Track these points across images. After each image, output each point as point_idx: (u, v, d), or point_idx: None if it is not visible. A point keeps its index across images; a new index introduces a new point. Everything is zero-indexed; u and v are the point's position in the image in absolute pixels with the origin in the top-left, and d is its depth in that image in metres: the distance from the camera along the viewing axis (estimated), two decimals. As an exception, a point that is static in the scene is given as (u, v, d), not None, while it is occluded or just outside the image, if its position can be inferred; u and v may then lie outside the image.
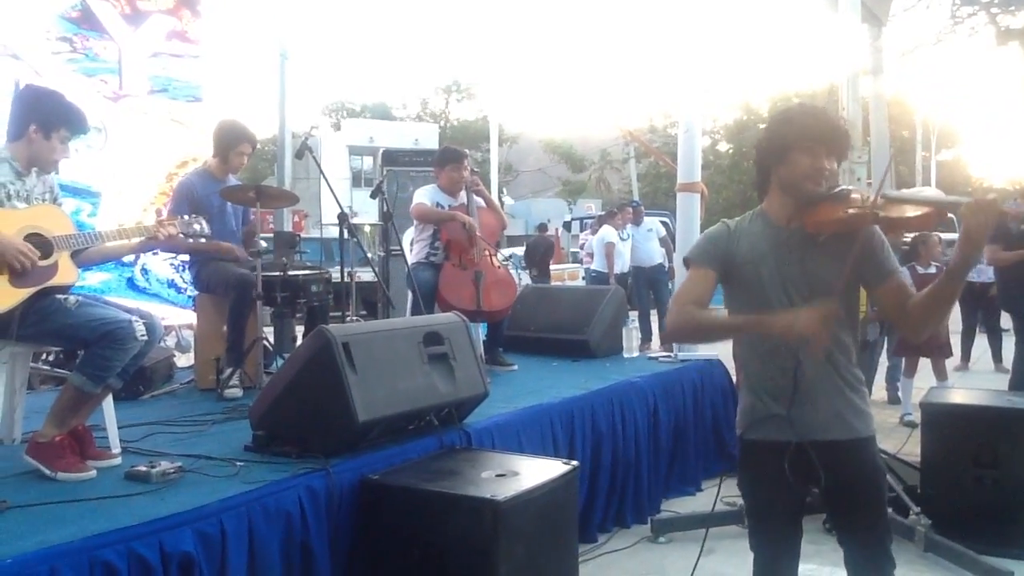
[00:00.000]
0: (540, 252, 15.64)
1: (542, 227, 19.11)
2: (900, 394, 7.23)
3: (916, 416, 5.67)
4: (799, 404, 2.40)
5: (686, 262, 2.54)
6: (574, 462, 3.26)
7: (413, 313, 5.20)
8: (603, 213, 15.27)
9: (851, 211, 2.32)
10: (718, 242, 2.51)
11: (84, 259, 3.37)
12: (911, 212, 2.30)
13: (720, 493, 3.25)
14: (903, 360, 7.19)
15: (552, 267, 16.10)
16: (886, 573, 2.52)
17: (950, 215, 2.71)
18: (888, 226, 2.39)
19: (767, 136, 2.47)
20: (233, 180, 4.99)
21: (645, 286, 10.60)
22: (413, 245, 5.59)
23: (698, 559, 3.07)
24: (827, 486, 2.43)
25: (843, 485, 2.45)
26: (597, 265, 10.95)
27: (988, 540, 3.99)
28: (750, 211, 2.56)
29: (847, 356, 2.46)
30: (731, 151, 43.94)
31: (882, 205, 2.31)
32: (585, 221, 24.78)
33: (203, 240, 3.65)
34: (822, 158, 2.37)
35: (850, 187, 2.48)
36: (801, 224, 2.41)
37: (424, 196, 5.50)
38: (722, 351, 6.41)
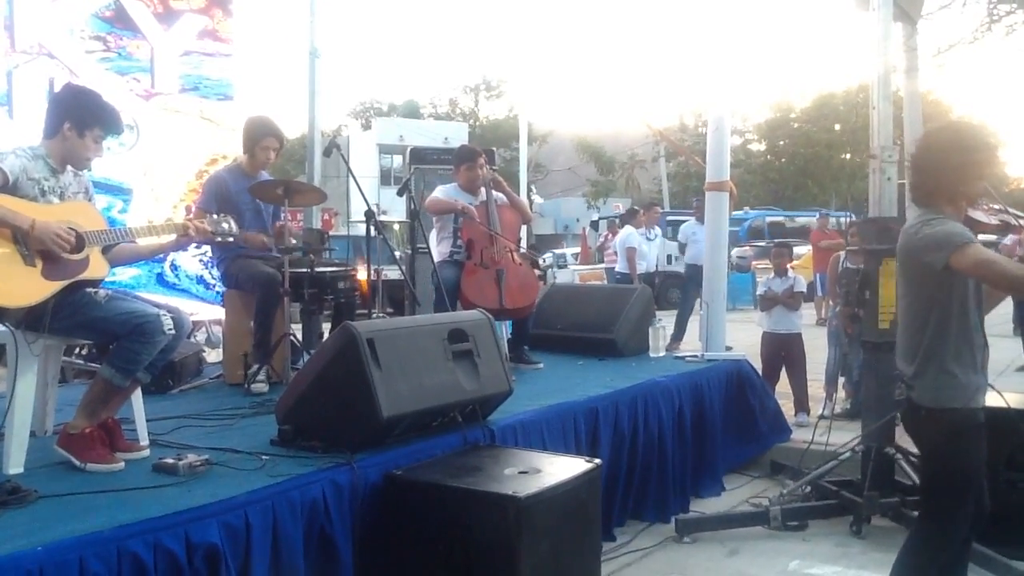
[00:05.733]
0: None
1: None
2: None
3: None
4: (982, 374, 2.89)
5: (963, 245, 2.73)
6: (597, 460, 3.26)
7: (437, 311, 5.20)
8: (625, 212, 14.82)
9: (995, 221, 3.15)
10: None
11: (115, 257, 3.42)
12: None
13: (746, 494, 3.22)
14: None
15: (579, 267, 15.83)
16: None
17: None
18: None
19: (986, 154, 2.92)
20: (265, 176, 5.00)
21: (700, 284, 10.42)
22: (438, 243, 5.59)
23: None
24: None
25: None
26: (621, 267, 10.88)
27: (1020, 545, 3.91)
28: (932, 213, 2.88)
29: None
30: (763, 150, 43.57)
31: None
32: (601, 221, 24.62)
33: (231, 239, 3.69)
34: None
35: None
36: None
37: (441, 193, 5.51)
38: (749, 350, 6.38)
